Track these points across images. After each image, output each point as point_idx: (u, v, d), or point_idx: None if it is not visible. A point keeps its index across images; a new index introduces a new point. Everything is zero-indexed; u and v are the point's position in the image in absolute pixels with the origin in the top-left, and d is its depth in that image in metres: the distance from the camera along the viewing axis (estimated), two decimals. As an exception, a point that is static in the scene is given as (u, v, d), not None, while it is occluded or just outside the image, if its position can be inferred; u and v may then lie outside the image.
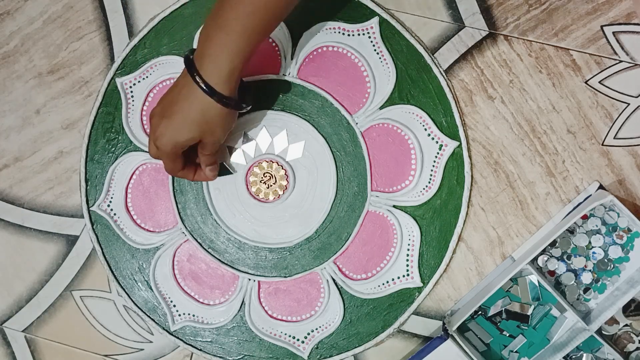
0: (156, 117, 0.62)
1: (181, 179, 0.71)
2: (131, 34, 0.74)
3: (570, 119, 0.69)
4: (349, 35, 0.71)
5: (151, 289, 0.72)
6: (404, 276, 0.70)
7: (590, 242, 0.68)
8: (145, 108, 0.73)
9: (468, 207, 0.70)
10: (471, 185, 0.70)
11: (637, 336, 0.67)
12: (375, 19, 0.70)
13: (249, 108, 0.64)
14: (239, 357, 0.72)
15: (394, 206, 0.70)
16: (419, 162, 0.69)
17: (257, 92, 0.71)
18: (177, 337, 0.72)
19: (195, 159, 0.66)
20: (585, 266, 0.68)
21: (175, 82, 0.62)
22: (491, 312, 0.68)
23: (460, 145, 0.69)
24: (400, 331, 0.71)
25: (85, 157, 0.73)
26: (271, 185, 0.71)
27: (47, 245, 0.74)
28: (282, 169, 0.70)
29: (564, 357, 0.65)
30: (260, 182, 0.71)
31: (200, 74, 0.58)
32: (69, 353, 0.74)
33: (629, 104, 0.69)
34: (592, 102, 0.69)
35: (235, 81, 0.60)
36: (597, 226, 0.68)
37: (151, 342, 0.73)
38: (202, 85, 0.58)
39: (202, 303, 0.72)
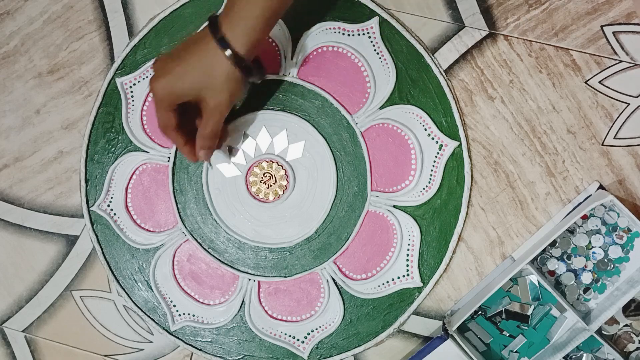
0: (161, 60, 0.59)
1: (180, 180, 0.71)
2: (131, 34, 0.74)
3: (570, 119, 0.69)
4: (349, 35, 0.71)
5: (151, 289, 0.72)
6: (404, 276, 0.70)
7: (590, 242, 0.68)
8: (145, 108, 0.73)
9: (468, 207, 0.70)
10: (471, 185, 0.70)
11: (637, 336, 0.67)
12: (375, 19, 0.70)
13: (258, 81, 0.62)
14: (239, 357, 0.72)
15: (394, 206, 0.70)
16: (419, 162, 0.69)
17: (257, 92, 0.71)
18: (177, 337, 0.72)
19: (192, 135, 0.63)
20: (585, 266, 0.68)
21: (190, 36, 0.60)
22: (491, 312, 0.68)
23: (460, 145, 0.69)
24: (400, 331, 0.71)
25: (85, 157, 0.73)
26: (271, 185, 0.71)
27: (47, 245, 0.74)
28: (282, 169, 0.70)
29: (564, 357, 0.65)
30: (260, 182, 0.71)
31: (219, 27, 0.57)
32: (69, 353, 0.74)
33: (629, 104, 0.69)
34: (592, 102, 0.69)
35: (250, 44, 0.58)
36: (597, 226, 0.68)
37: (151, 342, 0.73)
38: (218, 37, 0.57)
39: (202, 303, 0.72)
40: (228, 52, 0.57)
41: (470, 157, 0.70)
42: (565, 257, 0.68)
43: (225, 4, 0.58)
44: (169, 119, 0.60)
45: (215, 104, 0.59)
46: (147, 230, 0.72)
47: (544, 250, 0.68)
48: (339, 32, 0.71)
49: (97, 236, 0.73)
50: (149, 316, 0.73)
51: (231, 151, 0.71)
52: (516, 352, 0.68)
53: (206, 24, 0.59)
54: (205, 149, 0.63)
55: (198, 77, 0.58)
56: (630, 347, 0.68)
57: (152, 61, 0.60)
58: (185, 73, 0.58)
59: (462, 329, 0.69)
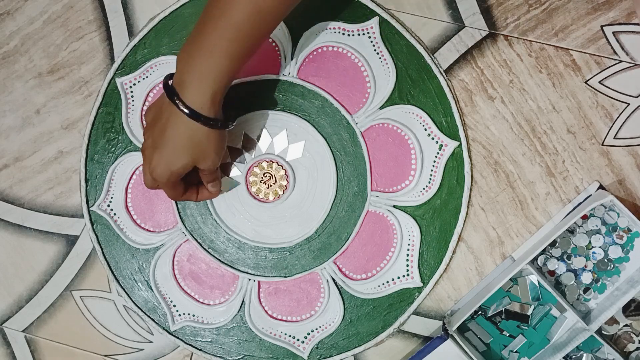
0: (148, 150, 0.61)
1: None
2: (131, 34, 0.74)
3: (570, 119, 0.69)
4: (349, 35, 0.71)
5: (151, 289, 0.72)
6: (404, 276, 0.70)
7: (590, 242, 0.68)
8: (145, 108, 0.73)
9: (468, 207, 0.70)
10: (471, 185, 0.70)
11: (637, 336, 0.67)
12: (375, 19, 0.70)
13: (235, 124, 0.63)
14: (239, 357, 0.72)
15: (394, 206, 0.70)
16: (419, 162, 0.69)
17: (258, 92, 0.71)
18: (177, 337, 0.72)
19: (195, 179, 0.66)
20: (585, 266, 0.68)
21: (158, 107, 0.61)
22: (491, 312, 0.68)
23: (460, 145, 0.69)
24: (400, 331, 0.71)
25: (85, 157, 0.73)
26: (271, 185, 0.71)
27: (47, 245, 0.74)
28: (282, 169, 0.70)
29: (564, 357, 0.65)
30: (260, 182, 0.71)
31: (182, 100, 0.57)
32: (69, 353, 0.74)
33: (629, 104, 0.69)
34: (592, 102, 0.69)
35: (219, 102, 0.59)
36: (597, 226, 0.68)
37: (151, 342, 0.73)
38: (186, 111, 0.57)
39: (202, 303, 0.72)
40: (202, 120, 0.58)
41: (470, 157, 0.70)
42: (565, 257, 0.68)
43: (178, 71, 0.58)
44: (177, 191, 0.64)
45: (209, 166, 0.62)
46: (147, 230, 0.72)
47: (544, 250, 0.68)
48: (339, 32, 0.71)
49: (97, 236, 0.73)
50: (149, 316, 0.73)
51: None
52: (516, 352, 0.68)
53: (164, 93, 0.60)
54: (213, 182, 0.66)
55: (187, 154, 0.60)
56: (630, 347, 0.68)
57: (142, 151, 0.63)
58: (174, 153, 0.60)
59: (462, 329, 0.69)
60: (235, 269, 0.71)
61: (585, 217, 0.68)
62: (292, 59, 0.71)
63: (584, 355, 0.67)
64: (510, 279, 0.67)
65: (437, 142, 0.69)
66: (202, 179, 0.66)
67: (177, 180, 0.62)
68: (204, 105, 0.58)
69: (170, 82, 0.60)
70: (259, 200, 0.71)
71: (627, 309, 0.67)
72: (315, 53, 0.71)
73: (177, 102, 0.58)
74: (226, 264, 0.71)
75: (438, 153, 0.69)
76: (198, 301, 0.72)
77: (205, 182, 0.66)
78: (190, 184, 0.66)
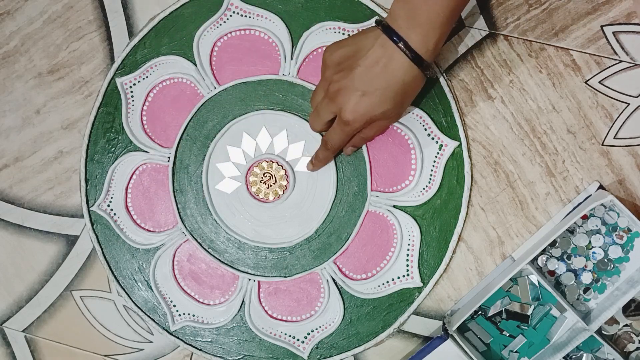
0: (347, 90, 0.57)
1: (180, 180, 0.71)
2: (131, 34, 0.74)
3: (570, 119, 0.69)
4: (349, 35, 0.71)
5: (151, 289, 0.72)
6: (404, 276, 0.70)
7: (590, 242, 0.68)
8: (145, 108, 0.73)
9: (468, 207, 0.70)
10: (471, 185, 0.70)
11: (637, 336, 0.67)
12: (375, 19, 0.70)
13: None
14: (239, 357, 0.72)
15: (394, 206, 0.70)
16: (419, 162, 0.69)
17: (257, 92, 0.71)
18: (177, 337, 0.72)
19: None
20: (585, 266, 0.68)
21: (355, 47, 0.58)
22: (491, 312, 0.68)
23: (460, 145, 0.69)
24: (400, 331, 0.71)
25: (85, 157, 0.73)
26: (271, 185, 0.71)
27: (47, 245, 0.74)
28: (282, 169, 0.70)
29: (564, 357, 0.65)
30: (260, 182, 0.71)
31: (407, 43, 0.55)
32: (69, 353, 0.74)
33: (629, 104, 0.69)
34: (592, 102, 0.69)
35: (439, 49, 0.56)
36: (597, 226, 0.68)
37: (151, 342, 0.73)
38: (410, 55, 0.55)
39: (202, 303, 0.72)
40: (423, 66, 0.56)
41: (470, 157, 0.70)
42: (565, 257, 0.68)
43: (399, 13, 0.56)
44: (325, 126, 0.62)
45: (397, 118, 0.59)
46: (147, 230, 0.72)
47: (544, 250, 0.68)
48: (339, 32, 0.71)
49: (97, 236, 0.73)
50: (149, 316, 0.73)
51: None
52: (516, 352, 0.68)
53: (381, 30, 0.56)
54: (356, 147, 0.65)
55: (393, 97, 0.57)
56: (630, 347, 0.68)
57: (327, 88, 0.59)
58: (382, 98, 0.57)
59: (462, 329, 0.68)
60: (235, 269, 0.71)
61: (585, 217, 0.68)
62: (292, 59, 0.71)
63: (584, 355, 0.67)
64: (510, 279, 0.67)
65: (437, 142, 0.69)
66: (355, 139, 0.62)
67: (360, 128, 0.59)
68: (427, 51, 0.55)
69: (388, 25, 0.56)
70: (259, 200, 0.71)
71: (627, 309, 0.67)
72: (315, 53, 0.71)
73: (401, 45, 0.55)
74: (226, 264, 0.71)
75: (438, 153, 0.69)
76: (198, 301, 0.72)
77: (355, 144, 0.63)
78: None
